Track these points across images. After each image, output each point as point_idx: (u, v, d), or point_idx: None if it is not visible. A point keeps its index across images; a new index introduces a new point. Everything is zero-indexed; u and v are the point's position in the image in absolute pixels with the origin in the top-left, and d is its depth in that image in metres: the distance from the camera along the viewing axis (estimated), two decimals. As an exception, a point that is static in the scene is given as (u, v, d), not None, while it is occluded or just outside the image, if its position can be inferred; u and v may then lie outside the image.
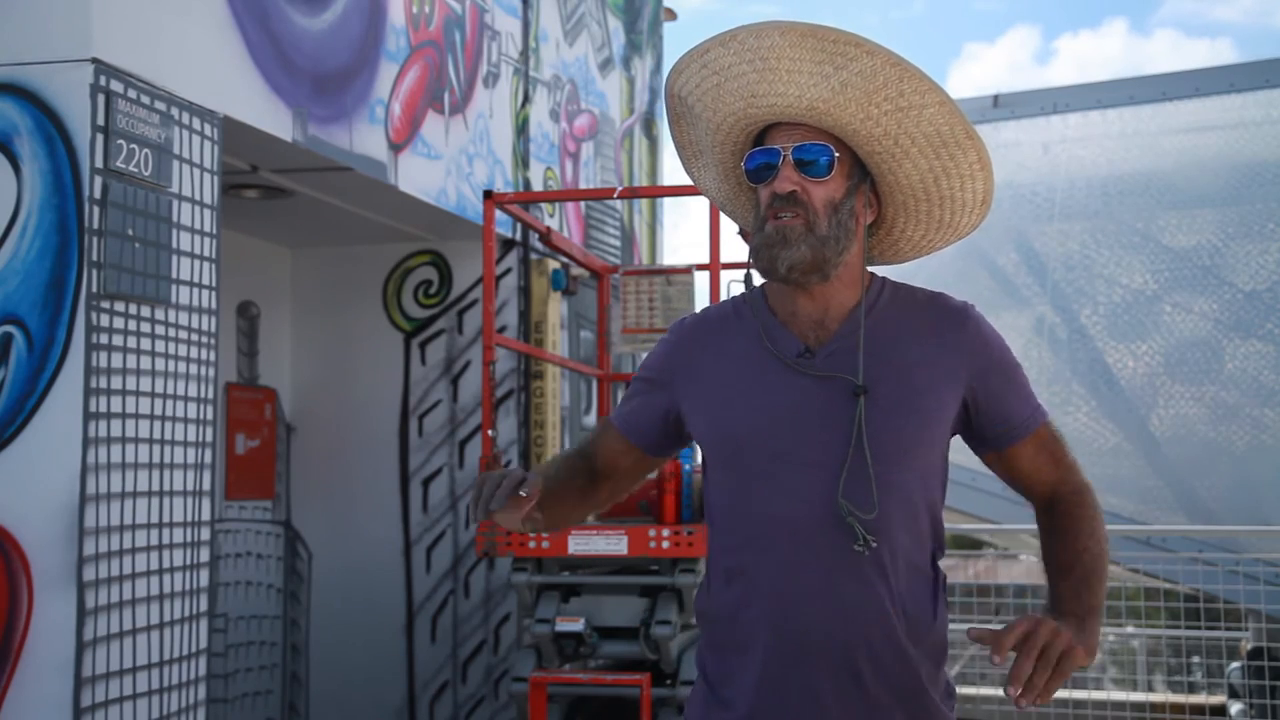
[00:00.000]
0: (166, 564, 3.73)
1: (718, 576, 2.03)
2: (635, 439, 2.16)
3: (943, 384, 1.99)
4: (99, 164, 3.49)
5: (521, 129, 6.37)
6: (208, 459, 3.91)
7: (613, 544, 4.56)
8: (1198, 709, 6.64)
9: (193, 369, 3.85)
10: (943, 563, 2.09)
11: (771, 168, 1.97)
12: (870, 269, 2.09)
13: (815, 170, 1.95)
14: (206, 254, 3.92)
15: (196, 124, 3.88)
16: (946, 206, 2.01)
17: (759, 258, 1.97)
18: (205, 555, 3.90)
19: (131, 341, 3.60)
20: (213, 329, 3.95)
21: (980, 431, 2.03)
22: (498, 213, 5.27)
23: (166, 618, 3.72)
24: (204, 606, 3.88)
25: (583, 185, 7.15)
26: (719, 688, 2.01)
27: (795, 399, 1.96)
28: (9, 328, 3.49)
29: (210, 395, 3.94)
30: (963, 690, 7.28)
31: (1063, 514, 2.03)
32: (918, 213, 2.03)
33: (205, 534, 3.90)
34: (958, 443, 2.09)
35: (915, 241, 2.09)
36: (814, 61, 1.89)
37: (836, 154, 1.95)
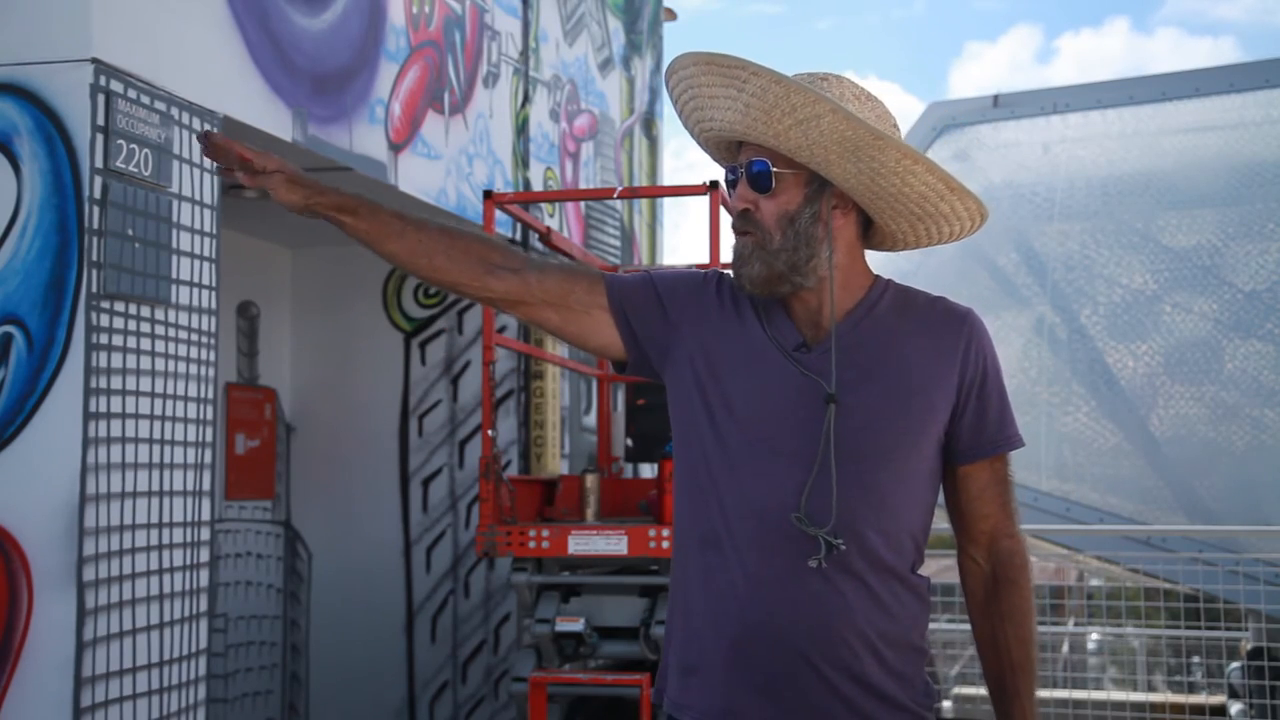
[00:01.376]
0: (166, 564, 3.73)
1: (692, 540, 2.04)
2: (612, 299, 2.08)
3: (935, 386, 2.00)
4: (99, 164, 3.49)
5: (521, 129, 6.37)
6: (208, 459, 3.91)
7: (613, 544, 4.56)
8: (1198, 709, 6.64)
9: (193, 369, 3.85)
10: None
11: (732, 185, 2.04)
12: (876, 272, 2.11)
13: (759, 185, 1.99)
14: (206, 254, 3.92)
15: (196, 124, 3.88)
16: (906, 200, 2.00)
17: (734, 275, 2.05)
18: (205, 555, 3.90)
19: (131, 341, 3.60)
20: (213, 329, 3.95)
21: (951, 441, 2.03)
22: (498, 213, 5.27)
23: (166, 618, 3.72)
24: (204, 606, 3.88)
25: (583, 185, 7.15)
26: (687, 652, 2.02)
27: (785, 389, 1.98)
28: (9, 328, 3.49)
29: (210, 395, 3.94)
30: (963, 690, 7.27)
31: (1005, 605, 2.05)
32: (885, 209, 2.02)
33: (205, 534, 3.90)
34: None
35: (915, 233, 2.09)
36: (722, 87, 1.98)
37: (774, 169, 1.98)
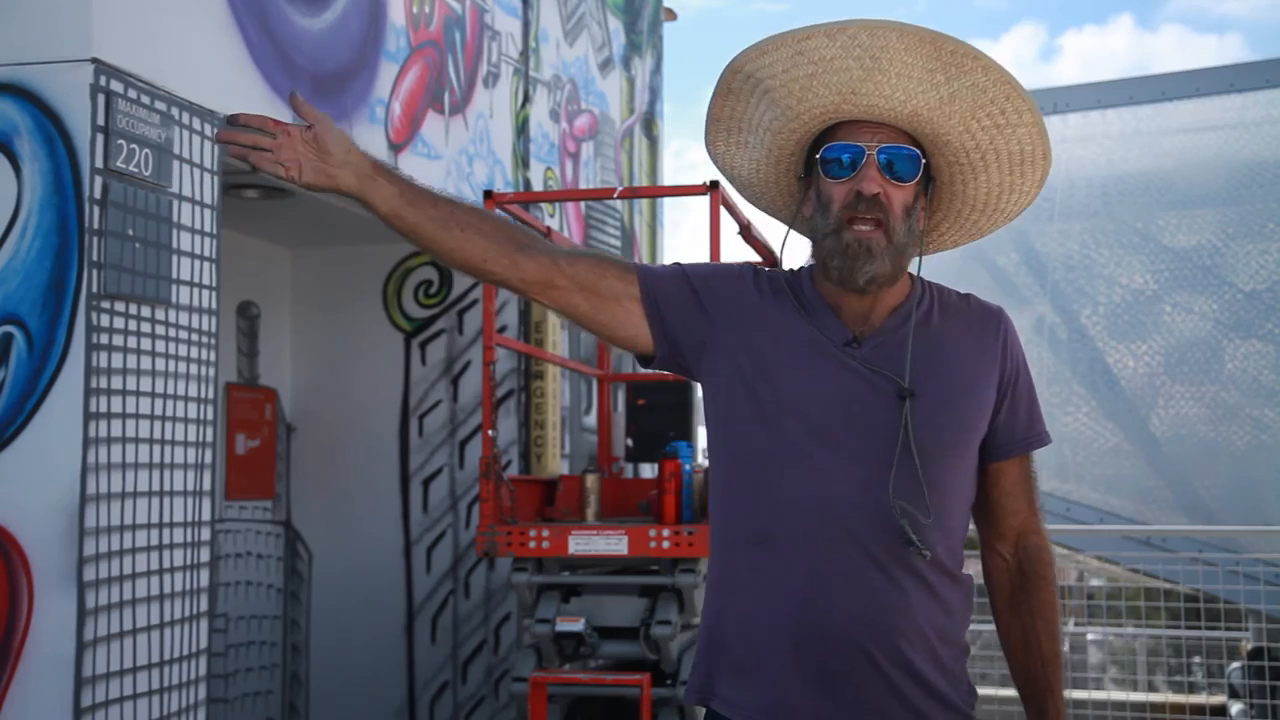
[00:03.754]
0: (166, 564, 3.72)
1: (736, 538, 1.99)
2: (645, 290, 2.01)
3: (982, 386, 1.99)
4: (99, 164, 3.49)
5: (521, 129, 6.37)
6: (208, 459, 3.91)
7: (613, 544, 4.56)
8: (1198, 709, 6.64)
9: (193, 369, 3.85)
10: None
11: (853, 165, 1.92)
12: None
13: (901, 174, 1.92)
14: (206, 254, 3.92)
15: (196, 124, 3.88)
16: (991, 216, 2.04)
17: (833, 264, 1.93)
18: (205, 555, 3.90)
19: (131, 341, 3.60)
20: (213, 329, 3.95)
21: (987, 438, 2.02)
22: (498, 213, 5.27)
23: (166, 618, 3.72)
24: (204, 606, 3.88)
25: (583, 185, 7.15)
26: (733, 650, 1.98)
27: (840, 385, 1.94)
28: (9, 328, 3.49)
29: (210, 395, 3.93)
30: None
31: (1035, 601, 2.06)
32: (964, 222, 2.04)
33: (205, 534, 3.90)
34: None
35: (939, 242, 2.12)
36: (925, 69, 1.87)
37: (924, 160, 1.94)
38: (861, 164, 1.91)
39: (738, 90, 2.02)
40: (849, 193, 1.91)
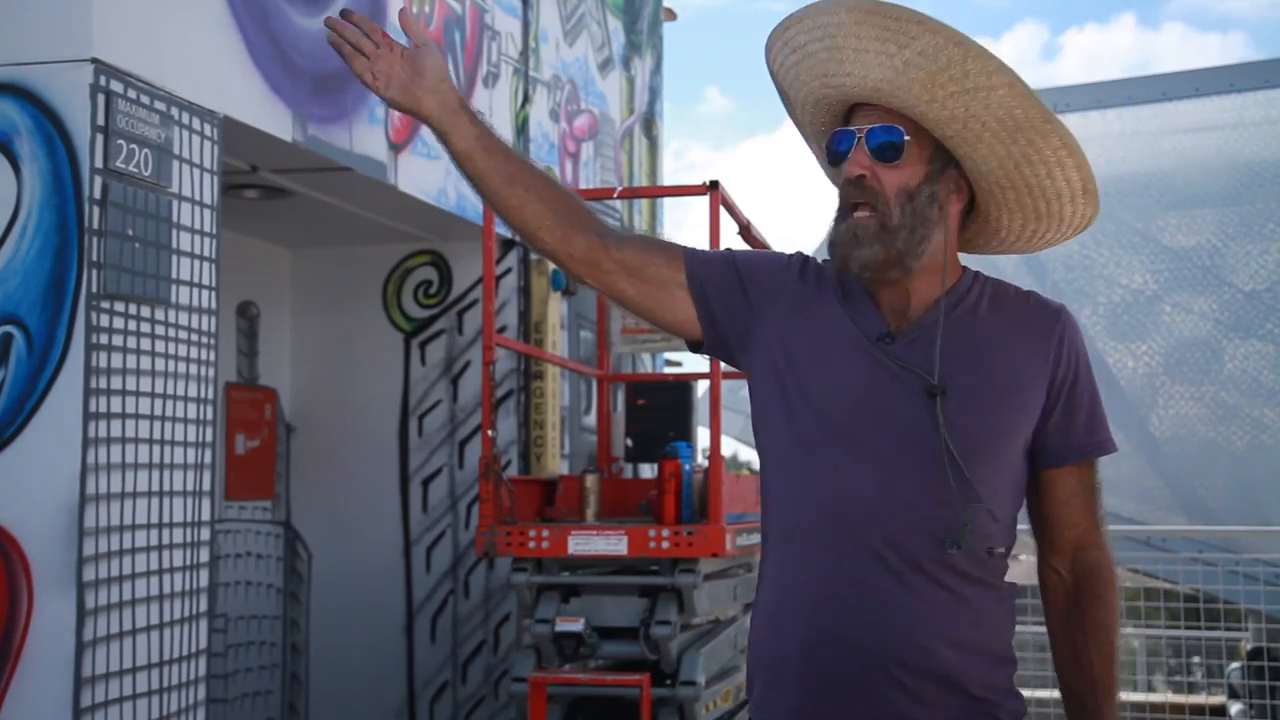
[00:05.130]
0: (166, 564, 3.72)
1: (770, 532, 1.96)
2: (692, 277, 1.98)
3: (1028, 385, 1.90)
4: (99, 164, 3.49)
5: (521, 129, 6.37)
6: (208, 459, 3.91)
7: (612, 544, 4.55)
8: (1198, 709, 6.63)
9: (193, 369, 3.85)
10: None
11: (843, 151, 1.89)
12: (964, 263, 2.01)
13: (885, 154, 1.86)
14: (206, 254, 3.92)
15: (196, 124, 3.88)
16: (1039, 195, 1.90)
17: (833, 257, 1.90)
18: (205, 555, 3.89)
19: (131, 341, 3.60)
20: (213, 329, 3.95)
21: (1038, 443, 1.93)
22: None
23: (166, 618, 3.72)
24: (204, 607, 3.88)
25: (583, 185, 7.15)
26: (762, 648, 1.95)
27: (866, 381, 1.88)
28: (9, 328, 3.49)
29: (210, 395, 3.93)
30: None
31: (1089, 620, 1.97)
32: (1009, 202, 1.92)
33: (205, 534, 3.90)
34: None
35: (1019, 232, 1.99)
36: (879, 40, 1.82)
37: (907, 137, 1.85)
38: (852, 148, 1.88)
39: (782, 93, 2.02)
40: (843, 179, 1.89)
